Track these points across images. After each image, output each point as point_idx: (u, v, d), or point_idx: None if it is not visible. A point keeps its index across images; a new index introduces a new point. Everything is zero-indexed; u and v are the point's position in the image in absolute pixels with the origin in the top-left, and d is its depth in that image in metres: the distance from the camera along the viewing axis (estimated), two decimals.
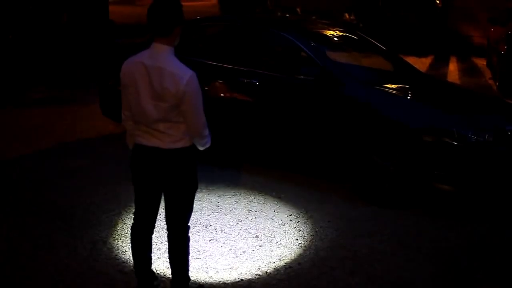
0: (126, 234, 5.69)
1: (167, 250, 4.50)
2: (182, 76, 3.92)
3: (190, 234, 4.47)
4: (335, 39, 8.48)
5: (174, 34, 4.03)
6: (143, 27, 4.45)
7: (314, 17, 17.10)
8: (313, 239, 5.88)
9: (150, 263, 4.59)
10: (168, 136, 4.09)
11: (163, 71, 3.94)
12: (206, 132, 4.19)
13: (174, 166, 4.16)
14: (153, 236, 4.53)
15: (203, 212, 6.35)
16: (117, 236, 5.72)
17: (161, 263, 5.15)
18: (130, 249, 4.56)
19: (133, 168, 4.30)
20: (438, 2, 18.85)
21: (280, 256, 5.49)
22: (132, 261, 4.56)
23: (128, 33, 14.51)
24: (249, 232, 5.96)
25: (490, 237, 6.12)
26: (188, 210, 4.40)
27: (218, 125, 4.57)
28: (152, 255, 4.60)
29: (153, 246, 4.61)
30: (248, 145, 7.71)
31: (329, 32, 8.48)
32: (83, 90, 11.56)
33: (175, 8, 4.02)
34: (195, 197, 4.42)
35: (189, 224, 4.43)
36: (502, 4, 16.51)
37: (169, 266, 4.55)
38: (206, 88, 4.21)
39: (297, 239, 5.85)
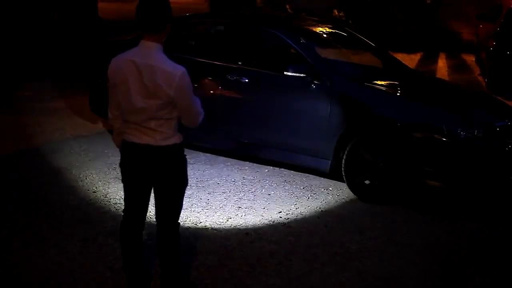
0: (116, 232, 5.66)
1: (158, 248, 4.48)
2: (175, 73, 3.94)
3: (179, 232, 4.47)
4: (325, 36, 8.48)
5: (164, 31, 4.04)
6: (131, 24, 4.43)
7: (303, 14, 17.13)
8: (303, 235, 5.89)
9: (142, 261, 4.57)
10: (159, 133, 4.09)
11: (154, 68, 3.94)
12: (200, 121, 4.27)
13: (166, 163, 4.17)
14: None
15: (193, 210, 6.34)
16: (107, 234, 5.70)
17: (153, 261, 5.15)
18: (120, 246, 4.55)
19: (123, 166, 4.29)
20: None
21: (270, 252, 5.49)
22: (122, 258, 4.55)
23: (116, 30, 14.47)
24: (239, 229, 5.96)
25: (480, 233, 6.15)
26: (179, 207, 4.40)
27: (207, 122, 4.56)
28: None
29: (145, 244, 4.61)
30: (238, 142, 7.69)
31: (319, 29, 8.48)
32: (72, 88, 11.52)
33: (164, 5, 4.02)
34: (185, 194, 4.42)
35: (179, 221, 4.43)
36: (490, 0, 16.55)
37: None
38: (195, 85, 4.20)
39: (287, 236, 5.85)
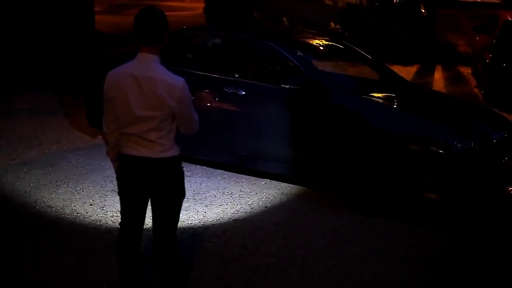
0: (113, 244, 5.65)
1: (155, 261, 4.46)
2: (176, 84, 3.99)
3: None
4: (321, 48, 8.51)
5: (162, 43, 4.06)
6: (127, 37, 4.45)
7: (300, 27, 17.18)
8: (300, 247, 5.88)
9: (139, 274, 4.54)
10: (159, 146, 4.09)
11: (155, 80, 3.96)
12: (198, 128, 4.33)
13: (164, 176, 4.17)
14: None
15: (190, 222, 6.34)
16: (103, 246, 5.69)
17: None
18: (117, 259, 4.53)
19: (120, 179, 4.28)
20: (423, 11, 18.93)
21: (268, 265, 5.49)
22: (119, 271, 4.53)
23: (113, 43, 14.50)
24: (236, 242, 5.95)
25: (477, 245, 6.14)
26: (176, 219, 4.39)
27: (204, 135, 4.58)
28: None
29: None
30: (235, 155, 7.70)
31: (315, 42, 8.50)
32: (69, 100, 11.51)
33: (163, 18, 4.05)
34: (182, 207, 4.41)
35: (176, 233, 4.42)
36: (486, 12, 16.60)
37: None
38: (192, 98, 4.23)
39: (284, 248, 5.85)
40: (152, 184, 4.19)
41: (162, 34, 4.04)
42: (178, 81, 4.01)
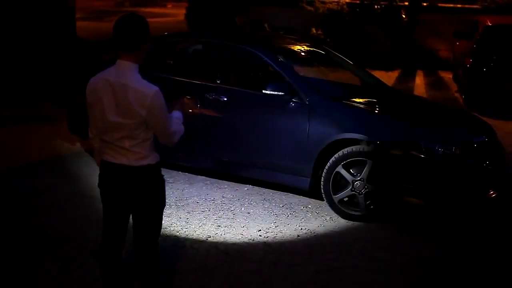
0: (96, 252, 5.63)
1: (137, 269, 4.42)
2: (147, 93, 3.92)
3: (159, 250, 4.42)
4: (303, 54, 8.53)
5: (141, 51, 4.03)
6: (110, 43, 4.43)
7: (281, 33, 17.20)
8: (283, 254, 5.88)
9: (124, 282, 4.50)
10: (133, 154, 4.06)
11: (127, 87, 3.93)
12: (176, 139, 4.24)
13: (141, 184, 4.13)
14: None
15: (172, 229, 6.31)
16: (86, 254, 5.65)
17: None
18: (100, 267, 4.51)
19: (101, 186, 4.26)
20: (404, 16, 19.03)
21: (251, 271, 5.48)
22: (102, 279, 4.50)
23: (95, 49, 14.44)
24: (219, 248, 5.94)
25: (460, 249, 6.17)
26: (157, 228, 4.34)
27: (186, 141, 4.55)
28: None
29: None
30: (217, 161, 7.69)
31: (297, 48, 8.52)
32: (50, 108, 11.45)
33: (142, 25, 4.02)
34: (164, 213, 4.39)
35: (158, 241, 4.39)
36: (466, 18, 16.71)
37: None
38: (168, 104, 4.21)
39: (267, 254, 5.84)
40: (129, 193, 4.15)
41: (138, 41, 3.99)
42: (150, 89, 3.94)
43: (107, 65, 4.16)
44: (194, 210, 6.88)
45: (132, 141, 4.03)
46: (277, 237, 6.25)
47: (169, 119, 4.12)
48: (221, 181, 7.81)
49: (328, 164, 6.82)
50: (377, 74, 10.06)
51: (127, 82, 3.95)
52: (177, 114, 4.38)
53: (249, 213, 6.87)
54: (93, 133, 4.25)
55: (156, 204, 4.26)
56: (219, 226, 6.48)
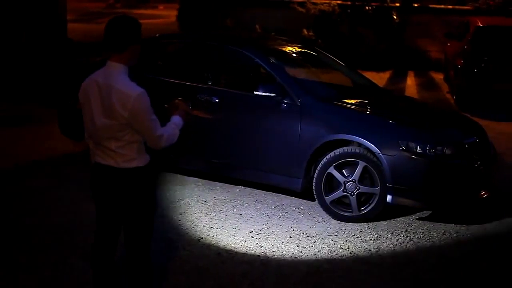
0: (88, 254, 5.61)
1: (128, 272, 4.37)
2: (130, 95, 3.89)
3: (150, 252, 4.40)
4: (294, 55, 8.54)
5: (129, 52, 4.01)
6: (101, 45, 4.43)
7: (273, 34, 17.19)
8: (275, 255, 5.88)
9: (117, 285, 4.47)
10: (120, 156, 4.04)
11: (112, 89, 3.92)
12: (165, 143, 4.16)
13: (129, 186, 4.09)
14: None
15: (164, 230, 6.31)
16: (78, 256, 5.64)
17: None
18: (91, 269, 4.49)
19: (92, 187, 4.24)
20: (395, 17, 19.05)
21: (243, 273, 5.48)
22: (93, 282, 4.47)
23: (86, 51, 14.41)
24: (211, 250, 5.94)
25: (450, 250, 6.18)
26: (147, 232, 4.27)
27: (178, 143, 4.54)
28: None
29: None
30: (209, 162, 7.68)
31: (288, 49, 8.53)
32: (42, 109, 11.42)
33: (130, 25, 4.02)
34: (156, 215, 4.37)
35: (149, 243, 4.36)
36: (457, 19, 16.76)
37: None
38: (166, 106, 4.21)
39: (259, 256, 5.84)
40: (118, 194, 4.12)
41: (125, 42, 3.98)
42: (133, 91, 3.90)
43: (98, 67, 4.15)
44: (186, 212, 6.87)
45: (118, 142, 4.01)
46: (269, 238, 6.25)
47: (154, 122, 4.04)
48: (213, 182, 7.81)
49: (320, 165, 6.84)
50: (369, 75, 10.08)
51: (112, 83, 3.94)
52: (176, 119, 4.35)
53: (241, 214, 6.87)
54: (86, 134, 4.24)
55: (146, 207, 4.20)
56: (211, 227, 6.48)
